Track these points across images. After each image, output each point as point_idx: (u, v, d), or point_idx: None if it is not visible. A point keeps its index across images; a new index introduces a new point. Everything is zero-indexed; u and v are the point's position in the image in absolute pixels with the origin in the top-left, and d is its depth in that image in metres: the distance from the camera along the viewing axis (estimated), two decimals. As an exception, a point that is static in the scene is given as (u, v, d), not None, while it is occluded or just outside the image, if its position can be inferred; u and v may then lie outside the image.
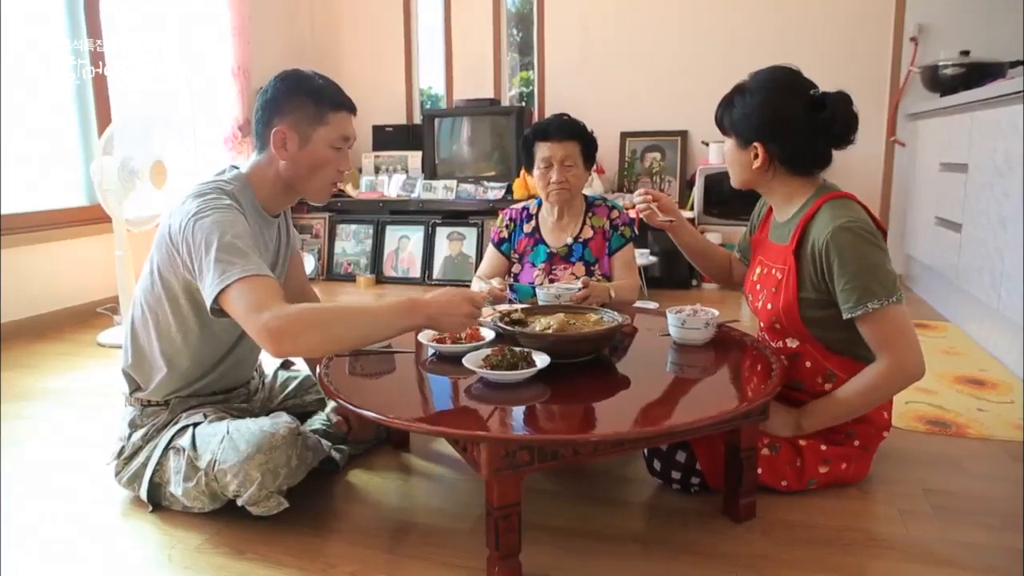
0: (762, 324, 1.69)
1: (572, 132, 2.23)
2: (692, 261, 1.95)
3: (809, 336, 1.56)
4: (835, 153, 1.59)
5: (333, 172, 1.61)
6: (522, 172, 4.22)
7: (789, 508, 1.52)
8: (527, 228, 2.36)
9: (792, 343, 1.60)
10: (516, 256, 2.36)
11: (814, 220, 1.53)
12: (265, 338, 1.30)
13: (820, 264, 1.49)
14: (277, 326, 1.29)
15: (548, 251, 2.30)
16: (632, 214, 1.93)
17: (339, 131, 1.58)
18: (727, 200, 3.98)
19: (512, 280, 2.34)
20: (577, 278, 2.18)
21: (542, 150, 2.22)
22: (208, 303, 1.37)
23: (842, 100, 1.52)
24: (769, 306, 1.61)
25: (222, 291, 1.34)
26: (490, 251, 2.41)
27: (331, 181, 1.63)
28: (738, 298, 3.79)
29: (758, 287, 1.68)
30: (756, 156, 1.58)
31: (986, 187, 2.63)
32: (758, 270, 1.70)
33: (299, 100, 1.55)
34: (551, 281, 2.26)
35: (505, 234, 2.39)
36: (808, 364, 1.58)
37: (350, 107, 1.61)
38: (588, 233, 2.30)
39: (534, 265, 2.31)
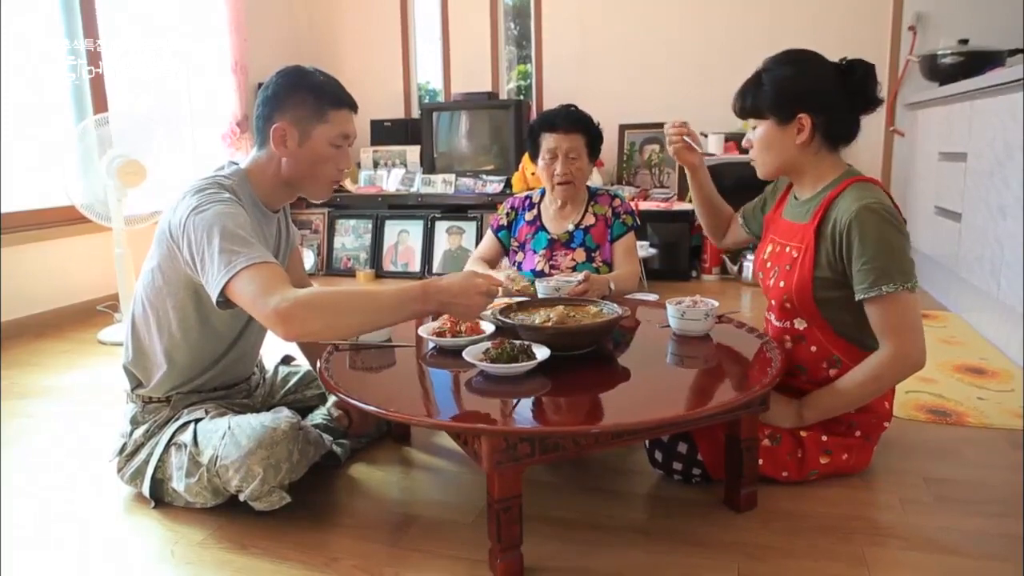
0: (772, 302, 1.67)
1: (578, 124, 2.23)
2: (698, 208, 1.96)
3: (818, 316, 1.55)
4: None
5: (333, 169, 1.60)
6: (520, 166, 4.22)
7: (790, 498, 1.53)
8: (528, 216, 2.37)
9: (800, 324, 1.59)
10: (517, 245, 2.37)
11: (839, 199, 1.52)
12: (275, 321, 1.30)
13: (840, 242, 1.48)
14: (287, 309, 1.28)
15: (549, 237, 2.31)
16: (673, 144, 1.88)
17: (339, 128, 1.57)
18: (726, 192, 3.94)
19: (515, 269, 2.34)
20: (576, 263, 2.18)
21: (547, 141, 2.23)
22: (214, 295, 1.36)
23: (867, 64, 1.53)
24: (782, 283, 1.59)
25: (229, 280, 1.33)
26: (488, 235, 2.45)
27: (331, 179, 1.62)
28: (738, 288, 3.79)
29: (768, 264, 1.67)
30: (800, 130, 1.54)
31: (986, 176, 2.63)
32: (769, 248, 1.69)
33: (300, 97, 1.54)
34: (552, 267, 2.27)
35: (504, 222, 2.40)
36: (813, 348, 1.58)
37: (351, 105, 1.61)
38: (590, 220, 2.30)
39: (535, 252, 2.32)
